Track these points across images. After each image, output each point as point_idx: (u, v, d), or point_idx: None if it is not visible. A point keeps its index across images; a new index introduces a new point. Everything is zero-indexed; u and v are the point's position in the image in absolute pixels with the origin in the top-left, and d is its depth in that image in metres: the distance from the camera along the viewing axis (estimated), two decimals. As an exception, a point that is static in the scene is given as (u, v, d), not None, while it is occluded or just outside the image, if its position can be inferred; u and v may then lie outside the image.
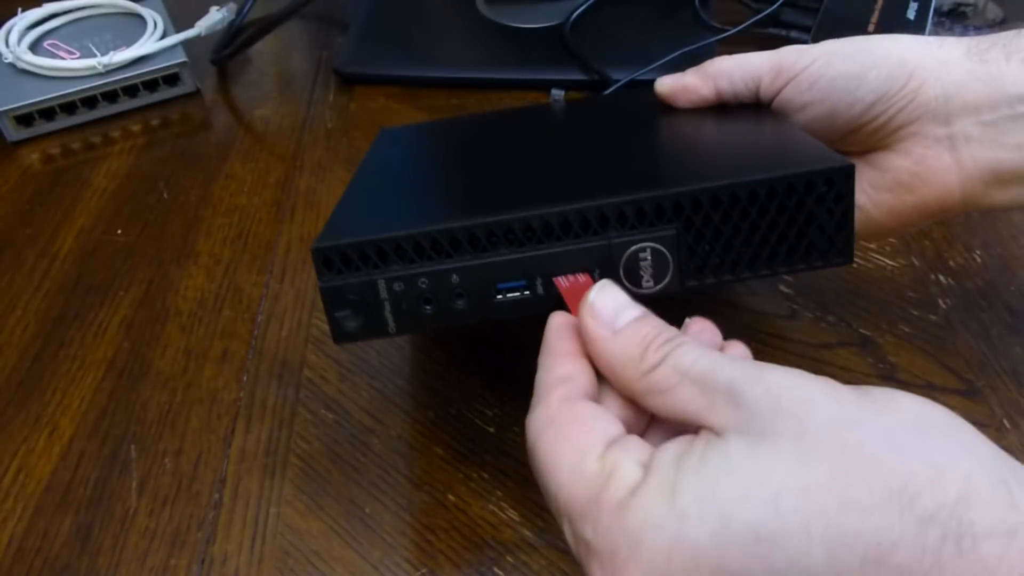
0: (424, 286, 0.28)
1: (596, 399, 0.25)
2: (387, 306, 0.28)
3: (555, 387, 0.24)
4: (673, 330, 0.24)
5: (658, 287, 0.28)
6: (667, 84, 0.37)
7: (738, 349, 0.27)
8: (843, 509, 0.18)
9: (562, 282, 0.27)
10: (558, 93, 0.44)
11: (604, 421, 0.23)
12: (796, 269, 0.28)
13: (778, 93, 0.34)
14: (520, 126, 0.41)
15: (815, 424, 0.20)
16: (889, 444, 0.19)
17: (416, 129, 0.44)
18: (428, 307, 0.28)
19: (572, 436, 0.23)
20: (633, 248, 0.27)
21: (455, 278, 0.28)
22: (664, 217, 0.27)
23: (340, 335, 0.29)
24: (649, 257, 0.27)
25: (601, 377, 0.25)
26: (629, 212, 0.27)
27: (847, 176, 0.27)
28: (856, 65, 0.32)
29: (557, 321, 0.26)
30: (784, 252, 0.28)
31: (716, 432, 0.21)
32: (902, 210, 0.34)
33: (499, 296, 0.28)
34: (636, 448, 0.22)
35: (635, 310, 0.25)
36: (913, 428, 0.20)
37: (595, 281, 0.27)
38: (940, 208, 0.34)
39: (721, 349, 0.27)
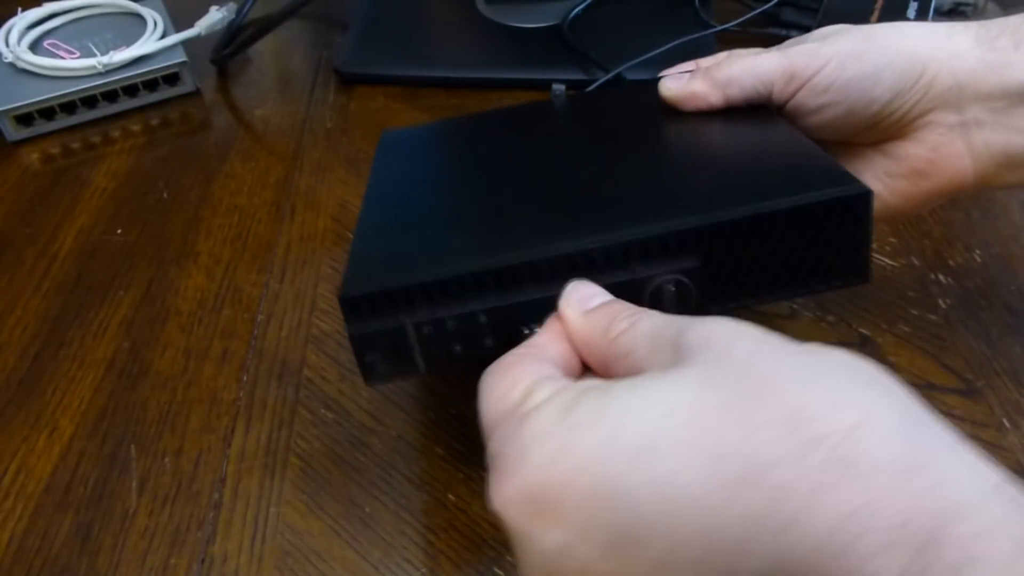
0: (452, 327, 0.28)
1: (556, 362, 0.25)
2: (416, 348, 0.28)
3: (519, 347, 0.26)
4: (642, 309, 0.25)
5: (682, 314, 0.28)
6: (673, 89, 0.36)
7: None
8: (730, 427, 0.18)
9: None
10: (559, 88, 0.44)
11: (543, 364, 0.24)
12: (815, 290, 0.28)
13: (791, 97, 0.34)
14: (526, 128, 0.40)
15: (731, 355, 0.20)
16: (795, 375, 0.19)
17: (419, 133, 0.43)
18: (457, 347, 0.28)
19: (509, 373, 0.24)
20: (658, 281, 0.27)
21: (483, 319, 0.28)
22: (687, 249, 0.27)
23: (371, 378, 0.29)
24: (673, 289, 0.27)
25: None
26: (653, 247, 0.27)
27: (866, 201, 0.27)
28: (869, 65, 0.32)
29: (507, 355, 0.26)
30: (804, 274, 0.28)
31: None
32: (917, 195, 0.34)
33: (527, 330, 0.28)
34: (561, 381, 0.23)
35: (606, 296, 0.26)
36: (828, 369, 0.20)
37: None
38: (955, 190, 0.34)
39: None
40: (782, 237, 0.27)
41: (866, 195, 0.28)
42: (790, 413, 0.18)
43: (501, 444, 0.21)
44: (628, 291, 0.27)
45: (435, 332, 0.28)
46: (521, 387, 0.23)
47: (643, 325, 0.23)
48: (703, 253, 0.27)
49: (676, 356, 0.21)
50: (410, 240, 0.31)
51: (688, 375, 0.20)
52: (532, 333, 0.28)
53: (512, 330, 0.28)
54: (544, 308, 0.27)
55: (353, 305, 0.28)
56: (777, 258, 0.28)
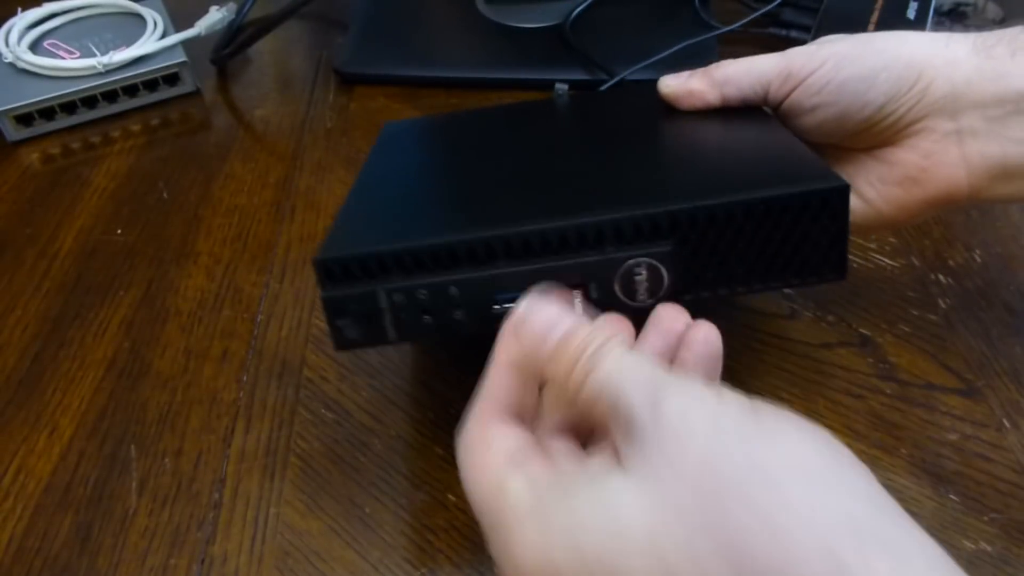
0: (423, 297, 0.28)
1: (518, 410, 0.26)
2: (387, 316, 0.28)
3: (480, 402, 0.26)
4: (598, 338, 0.24)
5: (652, 301, 0.28)
6: (671, 86, 0.36)
7: (701, 331, 0.27)
8: (682, 560, 0.20)
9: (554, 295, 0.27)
10: (562, 88, 0.44)
11: (506, 442, 0.25)
12: (790, 284, 0.28)
13: (787, 97, 0.34)
14: (523, 123, 0.40)
15: (679, 467, 0.21)
16: (742, 495, 0.20)
17: (419, 124, 0.43)
18: (427, 317, 0.29)
19: (479, 463, 0.25)
20: (629, 263, 0.27)
21: (454, 290, 0.28)
22: (660, 233, 0.27)
23: (341, 342, 0.29)
24: (645, 272, 0.27)
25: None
26: (626, 229, 0.27)
27: (842, 196, 0.27)
28: (866, 68, 0.32)
29: (508, 324, 0.26)
30: (778, 268, 0.28)
31: (615, 457, 0.23)
32: (910, 203, 0.34)
33: (497, 307, 0.28)
34: (531, 468, 0.24)
35: (559, 328, 0.25)
36: (785, 470, 0.20)
37: (588, 296, 0.27)
38: (948, 200, 0.34)
39: (687, 331, 0.27)
40: (757, 228, 0.27)
41: (843, 189, 0.27)
42: (731, 549, 0.19)
43: (489, 530, 0.24)
44: (599, 270, 0.27)
45: (406, 301, 0.28)
46: (492, 471, 0.24)
47: (597, 378, 0.23)
48: (677, 239, 0.27)
49: (629, 438, 0.22)
50: (392, 215, 0.31)
51: (641, 492, 0.21)
52: (502, 309, 0.28)
53: (483, 304, 0.28)
54: (516, 283, 0.28)
55: (327, 268, 0.28)
56: (752, 249, 0.28)
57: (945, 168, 0.33)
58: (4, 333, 0.44)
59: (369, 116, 0.57)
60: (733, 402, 0.22)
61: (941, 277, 0.44)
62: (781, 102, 0.34)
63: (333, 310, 0.29)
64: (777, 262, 0.28)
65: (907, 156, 0.33)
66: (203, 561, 0.34)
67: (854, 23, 0.58)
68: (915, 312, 0.42)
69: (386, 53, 0.61)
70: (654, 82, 0.38)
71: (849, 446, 0.22)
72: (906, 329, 0.41)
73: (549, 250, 0.27)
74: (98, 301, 0.45)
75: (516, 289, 0.28)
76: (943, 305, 0.42)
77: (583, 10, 0.62)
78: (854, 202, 0.34)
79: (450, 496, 0.35)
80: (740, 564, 0.19)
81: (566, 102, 0.43)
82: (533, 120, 0.41)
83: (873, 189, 0.35)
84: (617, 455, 0.23)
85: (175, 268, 0.47)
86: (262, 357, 0.42)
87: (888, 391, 0.38)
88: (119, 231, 0.49)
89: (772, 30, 0.60)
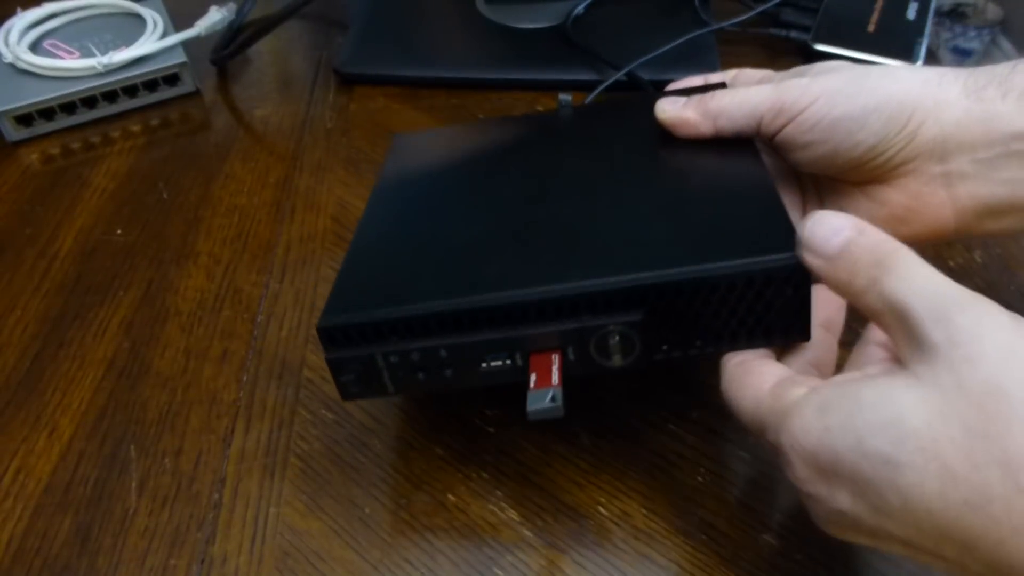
0: (416, 359, 0.31)
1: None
2: (385, 373, 0.31)
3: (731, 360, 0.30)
4: (887, 247, 0.26)
5: (626, 362, 0.30)
6: (668, 113, 0.36)
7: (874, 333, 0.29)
8: (960, 461, 0.22)
9: (535, 356, 0.30)
10: (566, 98, 0.44)
11: (776, 368, 0.29)
12: (757, 345, 0.30)
13: (780, 131, 0.34)
14: (524, 145, 0.41)
15: (970, 383, 0.22)
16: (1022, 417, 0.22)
17: (424, 145, 0.44)
18: (421, 374, 0.31)
19: (754, 382, 0.29)
20: (602, 331, 0.29)
21: (443, 353, 0.31)
22: (631, 304, 0.29)
23: (346, 395, 0.32)
24: (618, 338, 0.29)
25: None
26: (598, 301, 0.29)
27: (804, 272, 0.28)
28: (858, 107, 0.32)
29: (733, 363, 0.30)
30: (745, 332, 0.30)
31: (896, 363, 0.25)
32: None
33: (483, 365, 0.31)
34: (803, 380, 0.27)
35: (842, 234, 0.27)
36: None
37: (566, 358, 0.30)
38: (934, 238, 0.35)
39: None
40: (722, 298, 0.29)
41: (804, 267, 0.28)
42: (1010, 459, 0.22)
43: (775, 436, 0.26)
44: (575, 336, 0.29)
45: (401, 362, 0.31)
46: (766, 389, 0.28)
47: (884, 291, 0.25)
48: (646, 308, 0.29)
49: (918, 352, 0.24)
50: (388, 273, 0.33)
51: (927, 399, 0.23)
52: (488, 366, 0.31)
53: (470, 364, 0.31)
54: (499, 346, 0.30)
55: (329, 334, 0.31)
56: (718, 316, 0.29)
57: (933, 209, 0.33)
58: (4, 333, 0.44)
59: (369, 116, 0.57)
60: (1012, 322, 0.23)
61: (941, 277, 0.43)
62: (774, 135, 0.34)
63: (336, 369, 0.32)
64: (743, 328, 0.29)
65: (896, 196, 0.34)
66: (203, 561, 0.34)
67: (854, 23, 0.58)
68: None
69: (386, 53, 0.61)
70: (654, 94, 0.39)
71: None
72: (906, 329, 0.41)
73: (529, 319, 0.30)
74: (98, 301, 0.45)
75: (498, 353, 0.30)
76: (943, 305, 0.42)
77: (583, 10, 0.62)
78: None
79: (450, 496, 0.35)
80: (1018, 478, 0.21)
81: (569, 114, 0.44)
82: (535, 142, 0.41)
83: None
84: (901, 361, 0.25)
85: (175, 268, 0.47)
86: (262, 357, 0.42)
87: (888, 391, 0.38)
88: (119, 231, 0.49)
89: (772, 30, 0.60)
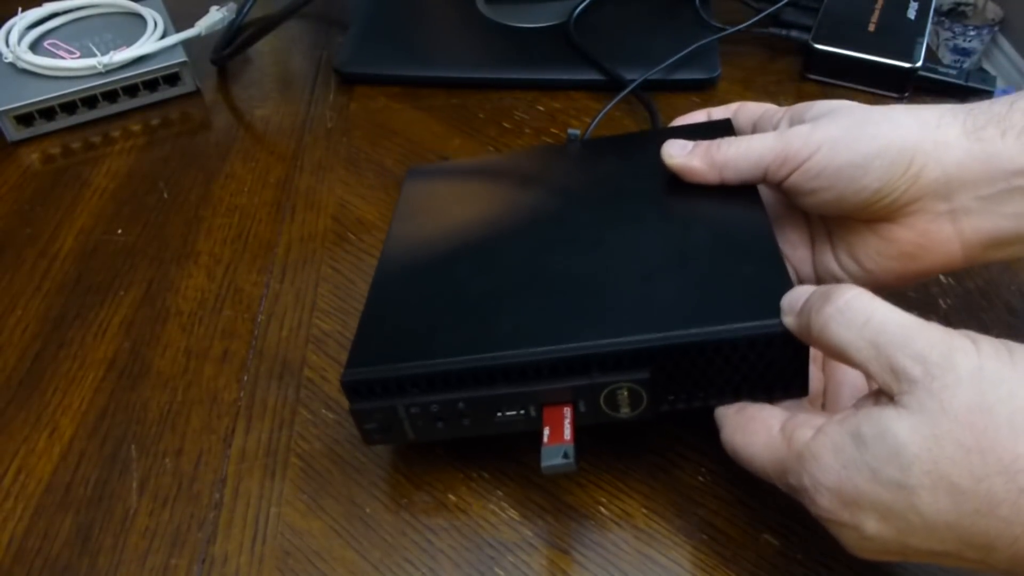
0: (435, 410, 0.33)
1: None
2: (406, 423, 0.33)
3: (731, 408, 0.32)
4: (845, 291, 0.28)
5: (634, 414, 0.32)
6: (675, 159, 0.37)
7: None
8: (963, 477, 0.24)
9: (548, 409, 0.32)
10: (574, 133, 0.45)
11: (774, 411, 0.30)
12: (758, 399, 0.31)
13: (785, 179, 0.35)
14: (535, 188, 0.42)
15: (952, 407, 0.25)
16: (1011, 425, 0.24)
17: (438, 187, 0.44)
18: (440, 424, 0.33)
19: (760, 427, 0.30)
20: (612, 387, 0.31)
21: (462, 405, 0.32)
22: (639, 363, 0.31)
23: (369, 441, 0.34)
24: (626, 394, 0.31)
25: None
26: (608, 360, 0.31)
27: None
28: (859, 155, 0.33)
29: (732, 411, 0.31)
30: (747, 387, 0.31)
31: (888, 396, 0.26)
32: (907, 274, 0.36)
33: (499, 415, 0.33)
34: (803, 418, 0.29)
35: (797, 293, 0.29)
36: None
37: (577, 410, 0.31)
38: (943, 270, 0.37)
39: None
40: (725, 359, 0.30)
41: None
42: (1006, 466, 0.24)
43: (797, 480, 0.28)
44: (586, 392, 0.31)
45: (421, 413, 0.33)
46: (775, 434, 0.29)
47: (867, 335, 0.27)
48: (652, 367, 0.31)
49: (905, 384, 0.25)
50: (407, 325, 0.35)
51: (919, 426, 0.25)
52: (504, 416, 0.32)
53: (487, 414, 0.33)
54: (515, 400, 0.32)
55: (354, 387, 0.33)
56: (721, 374, 0.31)
57: (941, 245, 0.34)
58: (4, 333, 0.44)
59: (369, 116, 0.57)
60: (989, 347, 0.25)
61: (942, 277, 0.44)
62: (780, 183, 0.35)
63: (360, 419, 0.33)
64: (745, 384, 0.31)
65: (904, 234, 0.35)
66: (204, 561, 0.34)
67: (854, 23, 0.58)
68: (915, 312, 0.42)
69: (386, 53, 0.61)
70: (661, 132, 0.39)
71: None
72: (907, 329, 0.41)
73: (542, 376, 0.31)
74: (98, 301, 0.45)
75: (513, 406, 0.32)
76: (944, 305, 0.42)
77: (583, 9, 0.62)
78: (856, 271, 0.36)
79: (450, 496, 0.35)
80: (1017, 481, 0.24)
81: (577, 149, 0.44)
82: (539, 188, 0.42)
83: (873, 262, 0.36)
84: (886, 395, 0.26)
85: (175, 268, 0.47)
86: (263, 357, 0.42)
87: (889, 391, 0.38)
88: (119, 231, 0.49)
89: (772, 30, 0.60)
